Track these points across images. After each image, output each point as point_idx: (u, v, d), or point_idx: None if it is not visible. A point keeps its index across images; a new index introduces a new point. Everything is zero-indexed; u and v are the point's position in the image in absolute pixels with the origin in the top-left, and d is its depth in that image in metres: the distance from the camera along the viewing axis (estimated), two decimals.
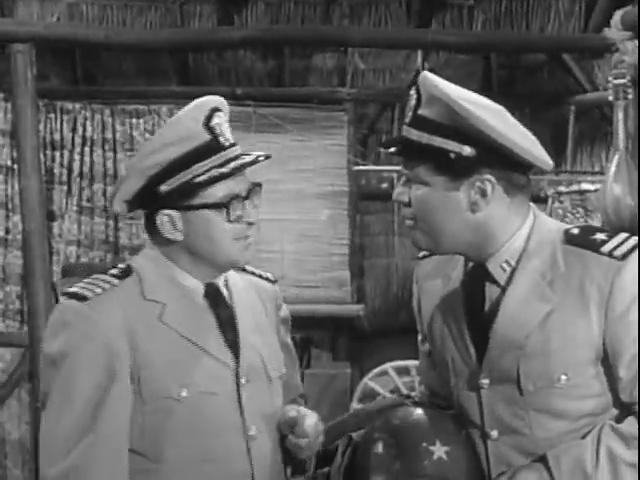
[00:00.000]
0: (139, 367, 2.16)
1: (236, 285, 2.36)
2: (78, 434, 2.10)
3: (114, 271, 2.25)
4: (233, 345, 2.27)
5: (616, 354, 2.09)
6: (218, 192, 2.18)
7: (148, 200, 2.21)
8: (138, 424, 2.17)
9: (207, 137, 2.18)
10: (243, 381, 2.24)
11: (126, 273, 2.24)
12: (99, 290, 2.18)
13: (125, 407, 2.15)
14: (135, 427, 2.17)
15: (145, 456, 2.18)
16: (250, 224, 2.23)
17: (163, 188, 2.17)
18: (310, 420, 2.32)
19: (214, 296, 2.29)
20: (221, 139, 2.20)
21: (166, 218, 2.19)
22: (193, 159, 2.17)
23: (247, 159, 2.22)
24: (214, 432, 2.21)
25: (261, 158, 2.23)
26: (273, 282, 2.50)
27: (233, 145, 2.23)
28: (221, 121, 2.22)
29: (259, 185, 2.26)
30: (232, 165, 2.19)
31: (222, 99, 2.26)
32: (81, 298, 2.16)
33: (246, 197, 2.22)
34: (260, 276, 2.48)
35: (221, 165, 2.18)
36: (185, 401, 2.17)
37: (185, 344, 2.20)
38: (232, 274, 2.36)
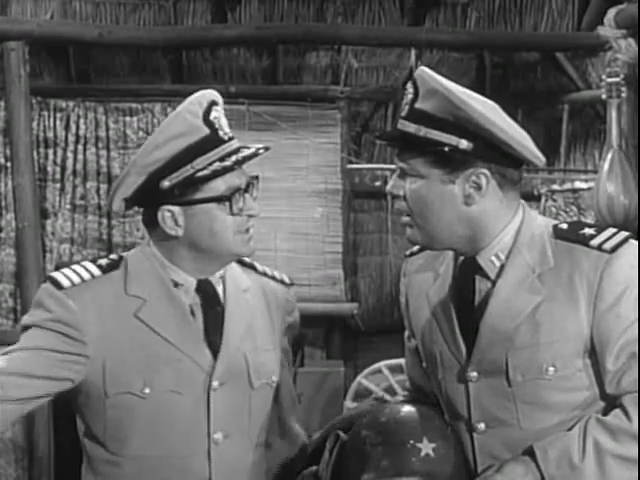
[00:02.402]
0: (104, 359, 2.18)
1: (237, 285, 2.34)
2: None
3: (102, 262, 2.28)
4: (216, 346, 2.25)
5: (604, 346, 2.11)
6: (220, 186, 2.19)
7: (149, 197, 2.21)
8: (100, 416, 2.20)
9: (207, 131, 2.19)
10: (215, 384, 2.23)
11: (113, 266, 2.26)
12: (77, 280, 2.21)
13: (38, 362, 2.17)
14: (98, 418, 2.21)
15: (106, 447, 2.21)
16: (251, 216, 2.24)
17: (165, 184, 2.17)
18: None
19: (206, 293, 2.28)
20: (220, 133, 2.21)
21: (168, 214, 2.19)
22: (194, 153, 2.17)
23: (248, 152, 2.22)
24: (175, 432, 2.21)
25: (261, 151, 2.24)
26: (287, 285, 2.47)
27: (232, 138, 2.23)
28: (219, 115, 2.22)
29: (256, 178, 2.27)
30: (234, 158, 2.20)
31: (217, 93, 2.26)
32: (58, 285, 2.20)
33: (246, 190, 2.23)
34: (273, 277, 2.46)
35: (222, 159, 2.19)
36: (148, 398, 2.18)
37: (158, 341, 2.20)
38: (236, 272, 2.35)
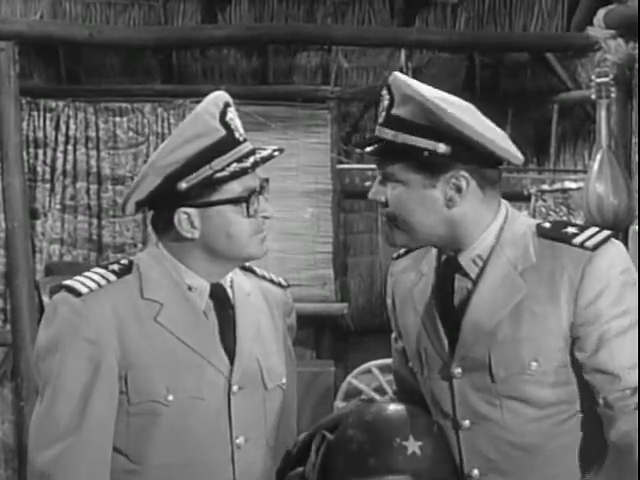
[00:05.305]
0: (127, 366, 2.15)
1: (242, 289, 2.32)
2: (64, 428, 2.11)
3: (114, 267, 2.23)
4: (230, 350, 2.24)
5: (583, 340, 2.12)
6: (236, 188, 2.17)
7: (165, 199, 2.18)
8: (124, 423, 2.17)
9: (223, 132, 2.17)
10: (235, 389, 2.21)
11: (126, 270, 2.22)
12: (94, 286, 2.17)
13: (110, 405, 2.15)
14: (121, 426, 2.17)
15: (128, 456, 2.18)
16: (265, 218, 2.22)
17: (182, 185, 2.15)
18: None
19: (219, 297, 2.26)
20: (236, 134, 2.19)
21: (184, 216, 2.17)
22: (212, 155, 2.15)
23: (264, 153, 2.20)
24: (198, 438, 2.18)
25: (276, 152, 2.22)
26: (284, 287, 2.46)
27: (245, 140, 2.21)
28: (233, 116, 2.20)
29: (267, 180, 2.25)
30: (252, 160, 2.18)
31: (227, 94, 2.24)
32: (75, 292, 2.15)
33: (259, 192, 2.22)
34: (271, 281, 2.44)
35: (240, 160, 2.17)
36: (172, 405, 2.15)
37: (179, 346, 2.18)
38: (239, 277, 2.33)
